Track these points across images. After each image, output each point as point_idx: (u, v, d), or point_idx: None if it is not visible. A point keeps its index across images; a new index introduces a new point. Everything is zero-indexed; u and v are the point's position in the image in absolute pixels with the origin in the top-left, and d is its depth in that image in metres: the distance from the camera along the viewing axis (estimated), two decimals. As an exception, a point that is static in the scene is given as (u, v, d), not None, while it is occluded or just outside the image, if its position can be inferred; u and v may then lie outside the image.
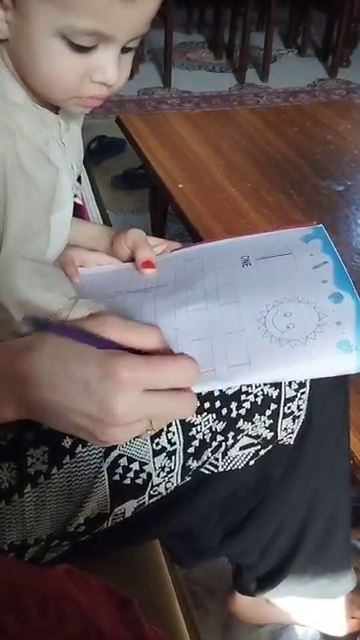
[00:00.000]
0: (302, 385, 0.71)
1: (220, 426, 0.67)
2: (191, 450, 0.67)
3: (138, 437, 0.63)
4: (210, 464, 0.69)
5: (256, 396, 0.68)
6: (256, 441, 0.70)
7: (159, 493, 0.67)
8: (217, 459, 0.69)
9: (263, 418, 0.69)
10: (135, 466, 0.64)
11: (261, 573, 0.90)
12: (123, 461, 0.64)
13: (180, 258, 0.78)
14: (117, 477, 0.64)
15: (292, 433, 0.73)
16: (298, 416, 0.72)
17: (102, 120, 2.51)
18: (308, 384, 0.71)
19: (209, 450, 0.68)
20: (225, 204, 1.30)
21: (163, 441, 0.65)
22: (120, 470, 0.64)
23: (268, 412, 0.69)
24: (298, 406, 0.72)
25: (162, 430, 0.65)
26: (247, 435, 0.69)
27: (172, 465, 0.66)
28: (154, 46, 3.51)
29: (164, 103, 3.19)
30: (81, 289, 0.74)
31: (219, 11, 3.60)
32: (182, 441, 0.66)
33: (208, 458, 0.68)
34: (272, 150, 1.52)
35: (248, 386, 0.67)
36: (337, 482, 0.84)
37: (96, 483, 0.63)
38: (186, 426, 0.66)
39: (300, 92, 3.40)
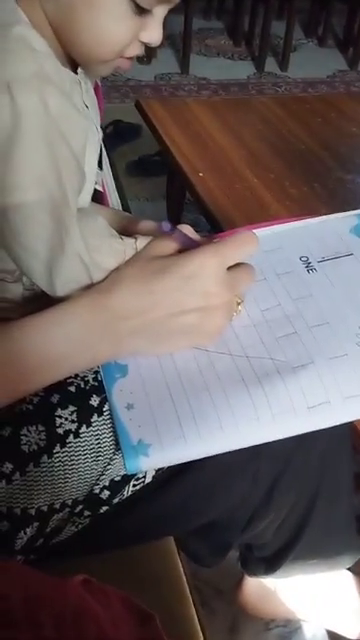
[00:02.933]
0: None
1: None
2: None
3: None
4: None
5: None
6: None
7: None
8: None
9: None
10: None
11: (275, 549, 0.88)
12: None
13: None
14: None
15: None
16: None
17: (119, 104, 2.47)
18: None
19: None
20: (247, 195, 1.26)
21: None
22: None
23: None
24: None
25: None
26: None
27: None
28: (172, 32, 3.45)
29: (181, 89, 3.14)
30: None
31: (240, -2, 3.54)
32: None
33: None
34: (295, 141, 1.47)
35: None
36: (342, 446, 0.83)
37: None
38: None
39: (319, 83, 3.34)
